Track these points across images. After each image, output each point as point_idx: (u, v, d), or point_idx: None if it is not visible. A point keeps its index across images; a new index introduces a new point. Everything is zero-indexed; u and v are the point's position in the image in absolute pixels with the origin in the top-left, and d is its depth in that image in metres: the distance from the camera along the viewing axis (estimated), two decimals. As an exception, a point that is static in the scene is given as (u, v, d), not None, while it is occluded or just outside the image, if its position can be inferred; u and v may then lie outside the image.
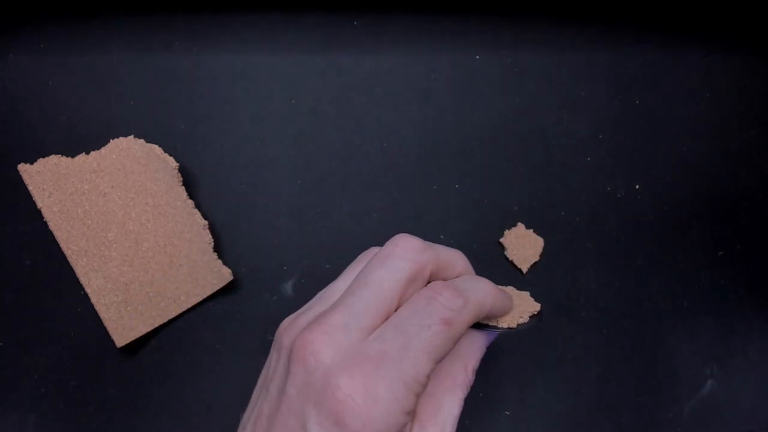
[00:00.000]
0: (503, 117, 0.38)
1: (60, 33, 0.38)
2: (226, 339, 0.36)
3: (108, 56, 0.38)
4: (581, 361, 0.36)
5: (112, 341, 0.34)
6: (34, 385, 0.35)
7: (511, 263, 0.37)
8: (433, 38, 0.39)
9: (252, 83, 0.38)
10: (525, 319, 0.26)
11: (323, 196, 0.37)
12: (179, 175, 0.36)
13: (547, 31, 0.39)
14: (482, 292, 0.23)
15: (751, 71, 0.40)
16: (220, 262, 0.36)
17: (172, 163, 0.36)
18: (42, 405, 0.35)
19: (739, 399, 0.36)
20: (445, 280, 0.24)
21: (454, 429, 0.24)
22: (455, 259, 0.25)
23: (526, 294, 0.29)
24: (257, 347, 0.36)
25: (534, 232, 0.37)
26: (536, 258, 0.37)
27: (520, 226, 0.37)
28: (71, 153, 0.36)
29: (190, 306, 0.35)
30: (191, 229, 0.36)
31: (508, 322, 0.25)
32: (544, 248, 0.37)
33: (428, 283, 0.24)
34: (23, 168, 0.35)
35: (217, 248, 0.36)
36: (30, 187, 0.35)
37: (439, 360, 0.22)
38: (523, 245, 0.37)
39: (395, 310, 0.23)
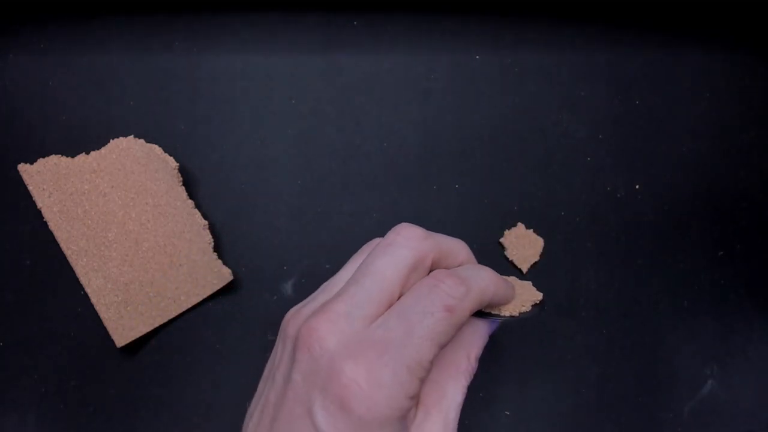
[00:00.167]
0: (503, 117, 0.38)
1: (60, 33, 0.38)
2: (226, 339, 0.36)
3: (108, 56, 0.38)
4: (581, 361, 0.36)
5: (112, 341, 0.34)
6: (34, 385, 0.35)
7: (511, 263, 0.37)
8: (433, 38, 0.39)
9: (252, 83, 0.38)
10: (527, 307, 0.26)
11: (323, 196, 0.37)
12: (179, 175, 0.36)
13: (547, 31, 0.39)
14: (484, 281, 0.24)
15: (751, 71, 0.40)
16: (220, 262, 0.36)
17: (172, 163, 0.36)
18: (42, 405, 0.35)
19: (739, 399, 0.36)
20: (447, 268, 0.24)
21: (458, 415, 0.25)
22: (457, 248, 0.26)
23: (528, 283, 0.29)
24: (257, 347, 0.36)
25: (534, 232, 0.37)
26: (536, 258, 0.37)
27: (520, 226, 0.37)
28: (71, 153, 0.36)
29: (190, 306, 0.35)
30: (191, 229, 0.36)
31: (510, 310, 0.25)
32: (544, 248, 0.37)
33: (431, 271, 0.24)
34: (23, 168, 0.35)
35: (217, 248, 0.36)
36: (30, 187, 0.35)
37: (442, 346, 0.22)
38: (523, 245, 0.37)
39: (398, 298, 0.23)
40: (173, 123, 0.38)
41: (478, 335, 0.26)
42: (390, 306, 0.23)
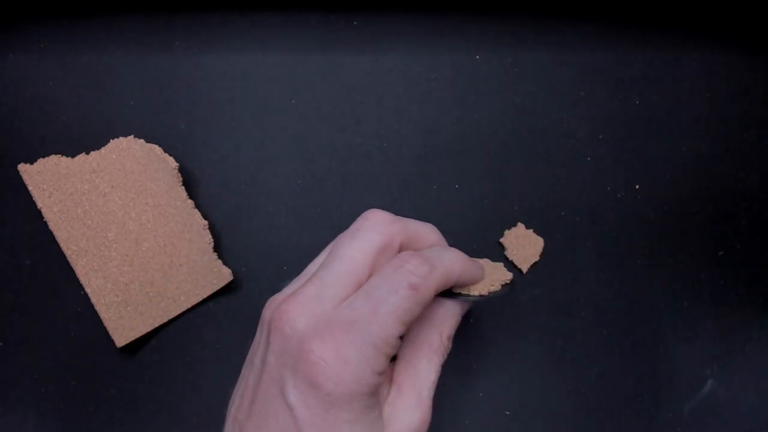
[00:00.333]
0: (503, 117, 0.38)
1: (60, 33, 0.38)
2: (226, 339, 0.36)
3: (108, 56, 0.38)
4: (581, 361, 0.36)
5: (112, 341, 0.34)
6: (34, 385, 0.35)
7: (511, 263, 0.37)
8: (433, 38, 0.39)
9: (252, 83, 0.38)
10: (497, 287, 0.27)
11: (323, 196, 0.37)
12: (179, 175, 0.36)
13: (547, 31, 0.39)
14: (450, 260, 0.25)
15: (751, 71, 0.40)
16: (220, 262, 0.36)
17: (172, 163, 0.36)
18: (42, 405, 0.35)
19: (739, 399, 0.36)
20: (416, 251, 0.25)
21: (432, 393, 0.25)
22: (425, 231, 0.26)
23: (500, 265, 0.30)
24: (257, 347, 0.36)
25: (534, 232, 0.37)
26: (536, 258, 0.37)
27: (520, 226, 0.37)
28: (71, 153, 0.36)
29: (190, 306, 0.35)
30: (191, 229, 0.36)
31: (479, 290, 0.26)
32: (544, 248, 0.37)
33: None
34: (23, 168, 0.35)
35: (217, 248, 0.36)
36: (30, 187, 0.35)
37: (408, 323, 0.23)
38: (523, 245, 0.37)
39: (367, 280, 0.24)
40: (173, 123, 0.38)
41: (449, 315, 0.27)
42: (359, 288, 0.23)
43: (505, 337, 0.36)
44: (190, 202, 0.36)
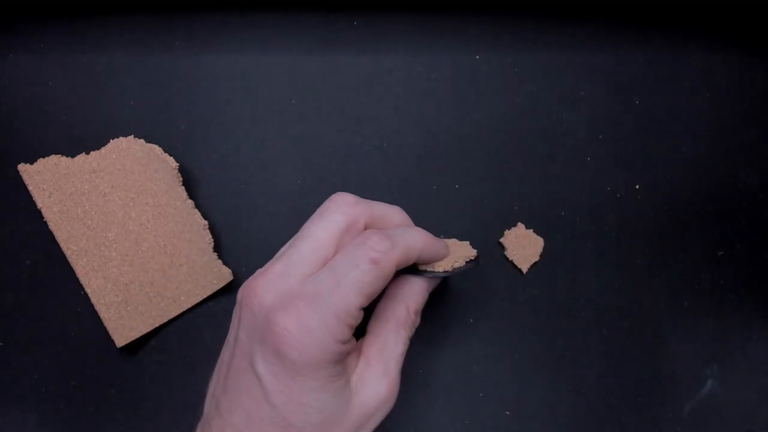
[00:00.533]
0: (503, 117, 0.38)
1: (60, 33, 0.38)
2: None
3: (108, 56, 0.38)
4: (581, 361, 0.36)
5: (112, 341, 0.34)
6: (34, 385, 0.35)
7: (511, 263, 0.37)
8: (433, 38, 0.39)
9: (252, 83, 0.38)
10: (461, 263, 0.28)
11: (323, 196, 0.37)
12: (179, 175, 0.36)
13: (547, 31, 0.39)
14: (411, 238, 0.26)
15: (751, 71, 0.40)
16: (220, 262, 0.36)
17: (172, 163, 0.36)
18: (42, 405, 0.35)
19: (739, 399, 0.36)
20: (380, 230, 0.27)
21: (399, 365, 0.27)
22: (391, 212, 0.28)
23: (465, 243, 0.31)
24: (257, 347, 0.36)
25: (534, 232, 0.37)
26: (536, 258, 0.37)
27: (520, 226, 0.37)
28: (71, 153, 0.36)
29: (190, 306, 0.35)
30: (191, 229, 0.36)
31: (443, 266, 0.28)
32: (544, 248, 0.37)
33: None
34: (23, 168, 0.35)
35: (217, 248, 0.36)
36: (30, 187, 0.35)
37: (370, 295, 0.24)
38: (523, 245, 0.37)
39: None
40: (173, 123, 0.38)
41: (416, 290, 0.28)
42: (324, 265, 0.25)
43: (505, 337, 0.36)
44: (190, 202, 0.36)
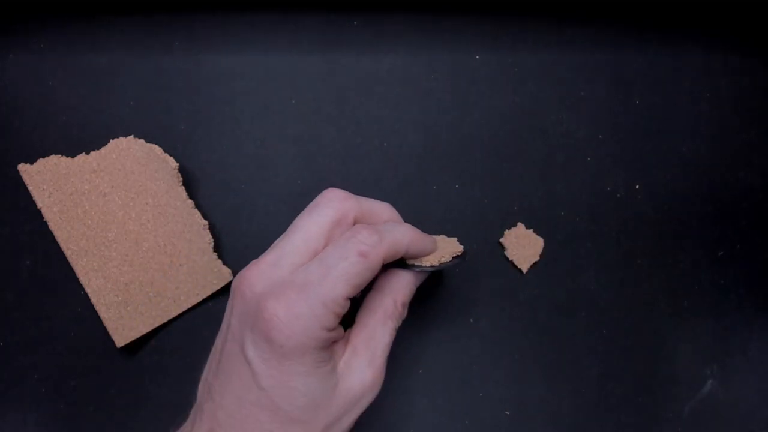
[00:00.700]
0: (503, 117, 0.38)
1: (60, 33, 0.38)
2: (226, 339, 0.36)
3: (108, 56, 0.38)
4: (581, 361, 0.36)
5: (112, 341, 0.34)
6: (34, 385, 0.35)
7: (511, 263, 0.37)
8: (433, 38, 0.39)
9: (252, 83, 0.38)
10: (447, 258, 0.29)
11: (323, 196, 0.37)
12: (179, 175, 0.36)
13: (547, 31, 0.39)
14: (399, 233, 0.27)
15: (751, 71, 0.40)
16: (220, 262, 0.36)
17: (172, 163, 0.36)
18: (42, 405, 0.35)
19: (739, 399, 0.36)
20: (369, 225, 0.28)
21: (385, 355, 0.28)
22: (380, 208, 0.29)
23: (453, 240, 0.32)
24: (257, 347, 0.35)
25: (534, 232, 0.37)
26: (536, 258, 0.37)
27: (520, 226, 0.37)
28: (71, 153, 0.36)
29: (190, 306, 0.35)
30: (191, 229, 0.36)
31: (431, 261, 0.29)
32: (544, 248, 0.37)
33: None
34: (23, 168, 0.35)
35: (217, 248, 0.36)
36: (30, 187, 0.35)
37: (357, 286, 0.25)
38: (523, 245, 0.37)
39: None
40: (173, 123, 0.38)
41: (404, 283, 0.29)
42: (315, 257, 0.26)
43: (505, 337, 0.36)
44: (190, 202, 0.36)
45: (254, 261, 0.26)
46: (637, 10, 0.40)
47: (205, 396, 0.26)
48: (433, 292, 0.37)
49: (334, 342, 0.26)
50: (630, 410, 0.36)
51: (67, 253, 0.35)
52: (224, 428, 0.25)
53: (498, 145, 0.38)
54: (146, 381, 0.35)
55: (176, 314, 0.35)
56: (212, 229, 0.36)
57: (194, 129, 0.38)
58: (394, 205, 0.37)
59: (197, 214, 0.36)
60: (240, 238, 0.37)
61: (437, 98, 0.39)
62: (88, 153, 0.36)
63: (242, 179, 0.37)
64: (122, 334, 0.34)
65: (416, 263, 0.29)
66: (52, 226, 0.35)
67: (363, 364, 0.27)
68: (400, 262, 0.28)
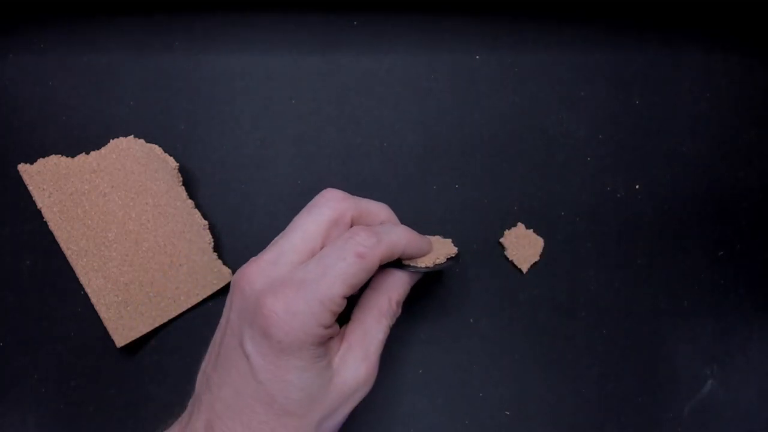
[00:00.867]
0: (503, 117, 0.38)
1: (60, 33, 0.38)
2: (226, 339, 0.36)
3: (108, 56, 0.38)
4: (581, 361, 0.36)
5: (112, 341, 0.34)
6: (34, 385, 0.35)
7: (511, 263, 0.37)
8: (433, 38, 0.39)
9: (252, 83, 0.38)
10: (442, 260, 0.30)
11: (323, 196, 0.37)
12: (179, 175, 0.36)
13: (547, 31, 0.39)
14: (396, 235, 0.28)
15: (751, 71, 0.40)
16: (220, 262, 0.36)
17: (172, 163, 0.36)
18: (42, 405, 0.35)
19: (739, 399, 0.36)
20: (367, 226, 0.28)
21: (379, 351, 0.29)
22: (377, 209, 0.30)
23: (448, 241, 0.33)
24: (257, 347, 0.35)
25: (534, 232, 0.37)
26: (536, 258, 0.37)
27: (520, 226, 0.37)
28: (71, 153, 0.36)
29: (190, 306, 0.35)
30: (191, 229, 0.36)
31: (425, 262, 0.29)
32: (544, 248, 0.37)
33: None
34: (23, 168, 0.35)
35: (217, 248, 0.36)
36: (30, 187, 0.35)
37: (354, 286, 0.26)
38: (523, 245, 0.37)
39: (321, 250, 0.27)
40: (173, 123, 0.38)
41: (399, 283, 0.30)
42: (312, 256, 0.27)
43: (505, 337, 0.36)
44: (190, 202, 0.36)
45: (254, 258, 0.27)
46: (637, 10, 0.40)
47: (204, 388, 0.27)
48: (433, 292, 0.37)
49: (330, 338, 0.27)
50: (630, 410, 0.36)
51: (67, 253, 0.35)
52: (222, 419, 0.25)
53: (498, 145, 0.38)
54: (146, 381, 0.35)
55: (176, 314, 0.35)
56: (212, 229, 0.36)
57: (194, 129, 0.38)
58: (394, 205, 0.37)
59: (197, 214, 0.36)
60: (240, 238, 0.37)
61: (437, 98, 0.39)
62: (88, 153, 0.36)
63: (242, 179, 0.37)
64: (122, 334, 0.34)
65: (411, 264, 0.29)
66: (52, 226, 0.35)
67: (357, 360, 0.28)
68: (395, 262, 0.29)
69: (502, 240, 0.37)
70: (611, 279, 0.37)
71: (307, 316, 0.25)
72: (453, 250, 0.31)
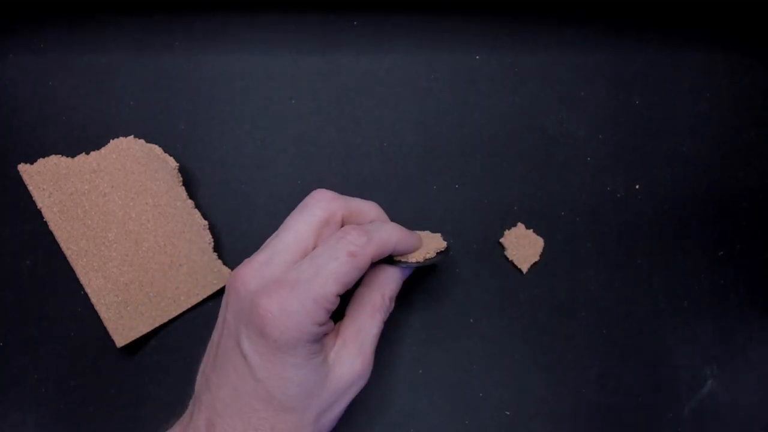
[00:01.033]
0: (503, 117, 0.38)
1: (60, 33, 0.38)
2: (226, 339, 0.36)
3: (108, 56, 0.38)
4: (581, 361, 0.36)
5: (112, 341, 0.34)
6: (34, 385, 0.35)
7: (511, 263, 0.37)
8: (433, 38, 0.39)
9: (252, 83, 0.38)
10: (432, 254, 0.31)
11: (323, 196, 0.37)
12: (179, 175, 0.36)
13: (547, 31, 0.39)
14: (387, 233, 0.28)
15: (751, 71, 0.40)
16: (220, 262, 0.36)
17: (172, 163, 0.36)
18: (42, 405, 0.35)
19: (739, 399, 0.36)
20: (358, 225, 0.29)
21: (373, 346, 0.29)
22: (366, 207, 0.30)
23: (437, 236, 0.33)
24: (257, 347, 0.35)
25: (534, 232, 0.37)
26: (536, 258, 0.37)
27: (520, 226, 0.37)
28: (71, 153, 0.36)
29: (190, 306, 0.35)
30: (191, 229, 0.36)
31: (416, 257, 0.30)
32: (544, 248, 0.37)
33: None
34: (23, 168, 0.35)
35: (217, 248, 0.36)
36: (30, 187, 0.35)
37: (346, 284, 0.26)
38: (523, 245, 0.37)
39: (313, 249, 0.27)
40: (173, 123, 0.38)
41: (391, 279, 0.30)
42: (305, 255, 0.27)
43: (505, 337, 0.36)
44: (190, 202, 0.36)
45: (247, 259, 0.27)
46: (637, 10, 0.40)
47: (203, 388, 0.28)
48: (433, 293, 0.37)
49: (325, 335, 0.28)
50: (630, 410, 0.36)
51: (67, 253, 0.35)
52: (222, 417, 0.26)
53: (498, 145, 0.38)
54: (146, 381, 0.35)
55: (176, 314, 0.35)
56: (212, 229, 0.36)
57: (194, 129, 0.38)
58: (394, 205, 0.37)
59: (197, 214, 0.36)
60: (240, 238, 0.37)
61: (437, 98, 0.39)
62: (88, 153, 0.36)
63: (242, 179, 0.37)
64: (122, 334, 0.34)
65: (402, 259, 0.30)
66: (52, 226, 0.35)
67: (352, 355, 0.28)
68: (387, 259, 0.30)
69: (502, 240, 0.37)
70: (611, 279, 0.37)
71: (301, 315, 0.25)
72: (442, 244, 0.32)
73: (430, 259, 0.30)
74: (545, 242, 0.37)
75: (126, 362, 0.35)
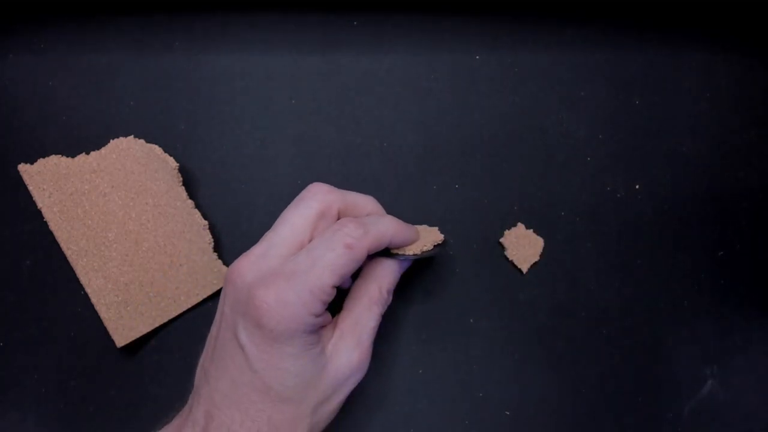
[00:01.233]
0: (503, 117, 0.38)
1: (60, 33, 0.38)
2: (226, 339, 0.36)
3: (108, 56, 0.38)
4: (581, 361, 0.36)
5: (112, 341, 0.34)
6: (34, 385, 0.35)
7: (511, 263, 0.37)
8: (433, 38, 0.39)
9: (252, 83, 0.38)
10: (429, 247, 0.31)
11: (323, 196, 0.37)
12: (179, 175, 0.36)
13: (547, 31, 0.39)
14: (383, 225, 0.29)
15: (751, 71, 0.40)
16: (220, 262, 0.36)
17: (172, 163, 0.36)
18: (42, 405, 0.35)
19: (739, 399, 0.36)
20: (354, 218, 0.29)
21: (371, 338, 0.29)
22: (363, 201, 0.31)
23: (434, 229, 0.33)
24: (257, 347, 0.35)
25: (534, 232, 0.37)
26: (536, 258, 0.37)
27: (520, 226, 0.37)
28: (71, 153, 0.36)
29: (190, 306, 0.35)
30: (191, 229, 0.36)
31: (413, 250, 0.30)
32: (544, 248, 0.37)
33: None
34: (23, 168, 0.35)
35: (217, 248, 0.36)
36: (30, 187, 0.35)
37: (342, 276, 0.26)
38: (523, 245, 0.37)
39: (309, 242, 0.28)
40: (173, 123, 0.38)
41: (388, 271, 0.30)
42: (301, 248, 0.27)
43: (505, 337, 0.36)
44: (190, 202, 0.36)
45: (244, 253, 0.28)
46: (637, 10, 0.40)
47: (202, 381, 0.28)
48: (433, 292, 0.37)
49: (323, 326, 0.28)
50: (630, 410, 0.36)
51: (67, 253, 0.35)
52: (220, 409, 0.26)
53: (498, 145, 0.38)
54: (146, 381, 0.35)
55: (176, 314, 0.35)
56: (212, 229, 0.36)
57: (194, 129, 0.38)
58: (394, 204, 0.37)
59: (197, 214, 0.36)
60: (240, 238, 0.37)
61: (437, 98, 0.39)
62: (88, 153, 0.36)
63: (242, 179, 0.37)
64: (122, 334, 0.34)
65: (399, 252, 0.30)
66: (52, 226, 0.35)
67: (350, 347, 0.28)
68: (384, 252, 0.30)
69: (502, 240, 0.37)
70: (611, 279, 0.37)
71: (297, 306, 0.25)
72: (439, 237, 0.32)
73: (427, 251, 0.30)
74: (545, 242, 0.37)
75: (126, 362, 0.35)
